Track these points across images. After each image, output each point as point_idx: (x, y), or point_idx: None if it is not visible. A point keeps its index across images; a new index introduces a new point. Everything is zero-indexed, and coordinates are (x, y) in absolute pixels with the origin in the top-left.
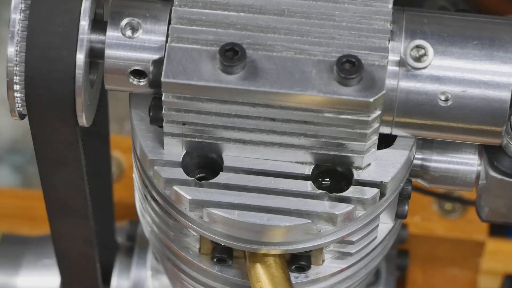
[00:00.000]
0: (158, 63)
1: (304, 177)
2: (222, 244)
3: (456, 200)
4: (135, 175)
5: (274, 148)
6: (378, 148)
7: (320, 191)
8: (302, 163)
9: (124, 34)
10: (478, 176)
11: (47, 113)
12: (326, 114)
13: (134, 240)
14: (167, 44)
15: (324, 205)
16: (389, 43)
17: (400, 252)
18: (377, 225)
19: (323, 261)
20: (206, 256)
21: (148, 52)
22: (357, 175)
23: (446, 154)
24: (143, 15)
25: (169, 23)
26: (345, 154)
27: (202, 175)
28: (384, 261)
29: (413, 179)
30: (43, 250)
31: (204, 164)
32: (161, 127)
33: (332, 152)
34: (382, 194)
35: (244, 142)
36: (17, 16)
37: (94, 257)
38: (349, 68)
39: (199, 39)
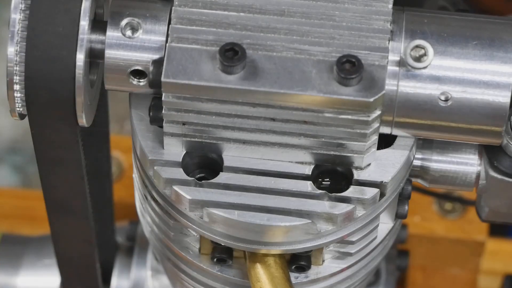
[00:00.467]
0: (158, 63)
1: (304, 177)
2: (222, 244)
3: (456, 200)
4: (135, 175)
5: (274, 148)
6: (378, 148)
7: (320, 191)
8: (302, 163)
9: (124, 34)
10: (478, 176)
11: (47, 113)
12: (326, 114)
13: (134, 240)
14: (167, 44)
15: (324, 205)
16: (389, 43)
17: (400, 252)
18: (377, 225)
19: (323, 261)
20: (206, 256)
21: (148, 52)
22: (357, 175)
23: (446, 154)
24: (143, 15)
25: (169, 23)
26: (345, 154)
27: (202, 175)
28: (384, 261)
29: (413, 179)
30: (43, 250)
31: (204, 164)
32: (161, 127)
33: (332, 152)
34: (382, 194)
35: (244, 142)
36: (17, 16)
37: (94, 257)
38: (349, 68)
39: (199, 39)
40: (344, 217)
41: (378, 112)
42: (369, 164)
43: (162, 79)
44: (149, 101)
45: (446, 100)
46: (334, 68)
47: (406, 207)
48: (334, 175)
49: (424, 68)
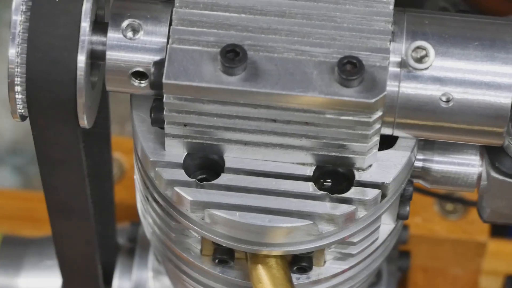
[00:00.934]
0: (159, 64)
1: (306, 178)
2: (224, 245)
3: (457, 201)
4: (136, 176)
5: (276, 149)
6: (380, 149)
7: (322, 192)
8: (303, 164)
9: (125, 36)
10: (479, 177)
11: (48, 115)
12: (328, 115)
13: (135, 241)
14: (168, 46)
15: (325, 206)
16: (390, 44)
17: (401, 253)
18: (379, 226)
19: (325, 262)
20: (208, 257)
21: (149, 54)
22: (358, 176)
23: (447, 155)
24: (144, 17)
25: (170, 24)
26: (346, 155)
27: (204, 176)
28: (386, 262)
29: (415, 180)
30: (45, 251)
31: (206, 165)
32: (163, 128)
33: (333, 153)
34: (383, 195)
35: (245, 143)
36: (18, 18)
37: (96, 258)
38: (350, 69)
39: (200, 41)
40: (345, 218)
41: (379, 113)
42: (370, 165)
43: (164, 80)
44: (150, 103)
45: (448, 101)
46: (335, 69)
47: (408, 208)
48: (335, 176)
49: (425, 69)
